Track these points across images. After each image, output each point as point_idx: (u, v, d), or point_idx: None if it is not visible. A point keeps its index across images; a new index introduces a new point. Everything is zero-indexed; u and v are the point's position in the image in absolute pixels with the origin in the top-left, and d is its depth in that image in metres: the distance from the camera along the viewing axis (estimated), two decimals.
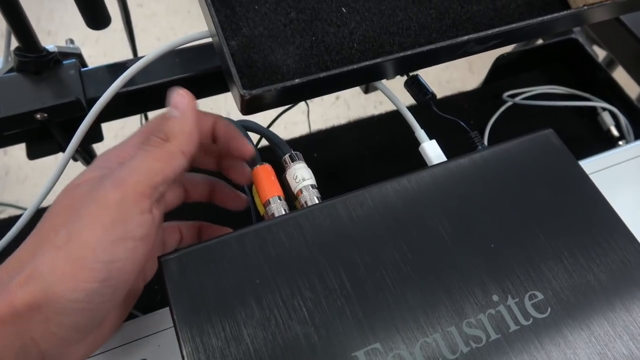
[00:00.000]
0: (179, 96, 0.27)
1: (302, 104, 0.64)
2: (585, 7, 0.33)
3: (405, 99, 0.38)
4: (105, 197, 0.24)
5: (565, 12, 0.33)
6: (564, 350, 0.25)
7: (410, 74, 0.39)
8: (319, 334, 0.24)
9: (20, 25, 0.42)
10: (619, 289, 0.27)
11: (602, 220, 0.29)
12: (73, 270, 0.22)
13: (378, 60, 0.29)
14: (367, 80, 0.33)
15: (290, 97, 0.30)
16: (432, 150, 0.33)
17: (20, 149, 0.48)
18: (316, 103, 1.44)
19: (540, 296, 0.26)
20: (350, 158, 0.51)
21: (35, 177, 1.28)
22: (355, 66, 0.29)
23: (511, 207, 0.28)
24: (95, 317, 0.24)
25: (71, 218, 0.24)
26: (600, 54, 0.72)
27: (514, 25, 0.31)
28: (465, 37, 0.31)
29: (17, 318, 0.22)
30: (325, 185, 0.32)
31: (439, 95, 0.51)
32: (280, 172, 0.32)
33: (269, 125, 0.49)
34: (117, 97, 0.44)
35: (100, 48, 1.46)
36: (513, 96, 0.56)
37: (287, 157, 0.32)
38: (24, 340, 0.22)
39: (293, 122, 1.31)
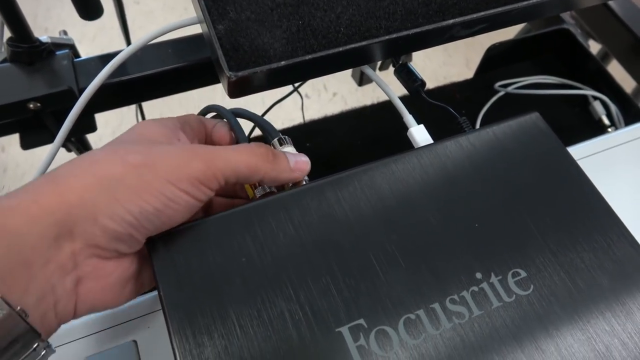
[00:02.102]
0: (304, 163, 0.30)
1: (297, 98, 0.64)
2: None
3: (398, 92, 0.38)
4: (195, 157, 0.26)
5: None
6: (546, 326, 0.25)
7: (400, 61, 0.39)
8: (303, 311, 0.24)
9: (12, 16, 0.42)
10: (602, 267, 0.27)
11: (586, 201, 0.29)
12: (140, 188, 0.24)
13: (363, 43, 0.29)
14: (354, 64, 0.33)
15: (276, 80, 0.30)
16: (419, 135, 0.34)
17: (18, 146, 0.48)
18: (313, 99, 1.45)
19: (523, 274, 0.26)
20: (343, 147, 0.52)
21: (33, 174, 1.28)
22: (340, 49, 0.29)
23: (496, 188, 0.29)
24: (134, 241, 0.25)
25: (147, 145, 0.26)
26: (595, 47, 0.73)
27: (499, 9, 0.32)
28: (451, 21, 0.31)
29: (65, 206, 0.23)
30: (318, 174, 0.32)
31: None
32: None
33: (263, 115, 0.49)
34: (110, 86, 0.45)
35: (97, 45, 1.47)
36: (505, 86, 0.56)
37: (275, 141, 0.32)
38: (61, 231, 0.23)
39: (290, 118, 1.31)
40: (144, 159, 0.25)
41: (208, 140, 0.33)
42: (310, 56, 0.28)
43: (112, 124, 1.29)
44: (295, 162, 0.30)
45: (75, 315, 0.25)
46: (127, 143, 0.27)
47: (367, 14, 0.31)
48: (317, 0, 0.31)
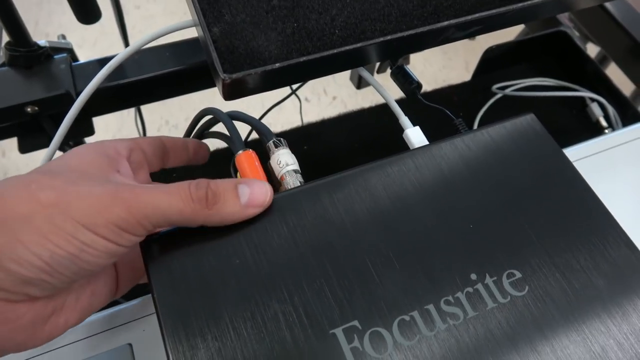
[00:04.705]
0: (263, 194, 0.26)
1: (296, 102, 0.64)
2: None
3: (396, 95, 0.38)
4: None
5: None
6: (542, 327, 0.25)
7: (397, 64, 0.39)
8: (297, 313, 0.24)
9: (11, 20, 0.43)
10: (597, 268, 0.27)
11: (582, 202, 0.29)
12: (49, 231, 0.22)
13: (358, 45, 0.29)
14: (349, 66, 0.33)
15: (271, 82, 0.30)
16: (415, 136, 0.34)
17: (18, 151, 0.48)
18: (313, 103, 1.45)
19: (518, 275, 0.26)
20: (340, 150, 0.52)
21: None
22: (335, 50, 0.29)
23: (491, 189, 0.29)
24: (47, 286, 0.23)
25: (66, 180, 0.23)
26: (592, 50, 0.73)
27: (493, 10, 0.32)
28: (446, 23, 0.31)
29: None
30: (314, 176, 0.32)
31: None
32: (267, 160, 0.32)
33: (260, 118, 0.49)
34: (108, 90, 0.45)
35: (98, 50, 1.47)
36: (503, 88, 0.56)
37: (270, 143, 0.32)
38: None
39: (289, 122, 1.31)
40: (56, 197, 0.22)
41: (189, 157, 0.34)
42: (304, 58, 0.28)
43: (112, 127, 1.29)
44: (251, 194, 0.26)
45: None
46: (50, 173, 0.24)
47: (362, 16, 0.31)
48: (312, 2, 0.31)
